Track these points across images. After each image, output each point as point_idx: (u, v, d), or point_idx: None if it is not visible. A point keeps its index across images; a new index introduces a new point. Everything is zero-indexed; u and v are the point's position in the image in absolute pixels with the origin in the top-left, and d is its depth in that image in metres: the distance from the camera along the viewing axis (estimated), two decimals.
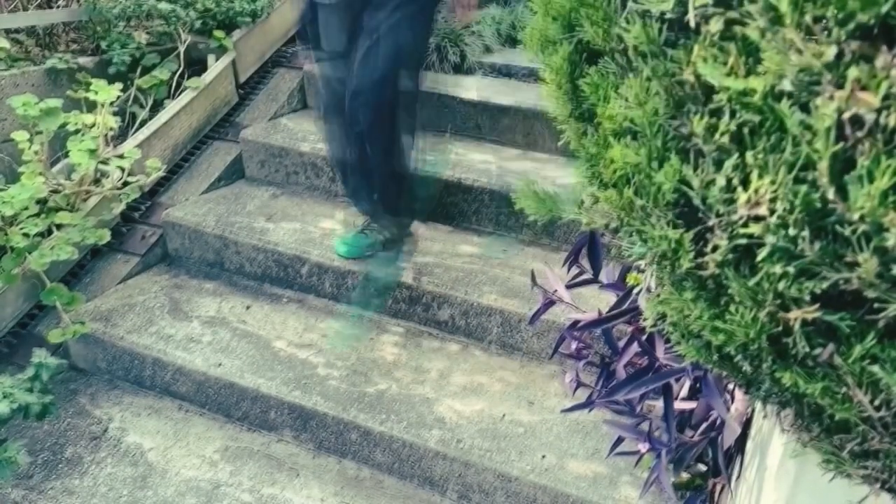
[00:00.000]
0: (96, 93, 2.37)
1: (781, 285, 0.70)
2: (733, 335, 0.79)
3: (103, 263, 2.56)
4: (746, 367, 0.83)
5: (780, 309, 0.72)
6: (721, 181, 0.72)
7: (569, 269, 1.56)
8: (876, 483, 0.80)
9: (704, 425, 1.48)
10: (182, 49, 2.97)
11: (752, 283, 0.73)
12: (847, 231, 0.63)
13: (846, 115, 0.59)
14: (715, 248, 0.76)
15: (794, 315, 0.71)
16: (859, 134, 0.59)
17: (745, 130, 0.69)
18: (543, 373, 2.16)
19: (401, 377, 2.12)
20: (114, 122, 2.41)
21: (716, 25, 0.68)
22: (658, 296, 0.91)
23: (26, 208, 2.13)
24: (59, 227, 2.25)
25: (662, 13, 0.75)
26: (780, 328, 0.74)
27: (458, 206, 2.60)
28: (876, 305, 0.65)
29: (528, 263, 2.33)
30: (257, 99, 3.16)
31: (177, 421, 2.17)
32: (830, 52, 0.58)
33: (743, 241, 0.72)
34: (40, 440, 2.07)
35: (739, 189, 0.70)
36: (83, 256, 2.52)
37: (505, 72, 3.21)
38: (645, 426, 1.54)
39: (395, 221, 2.37)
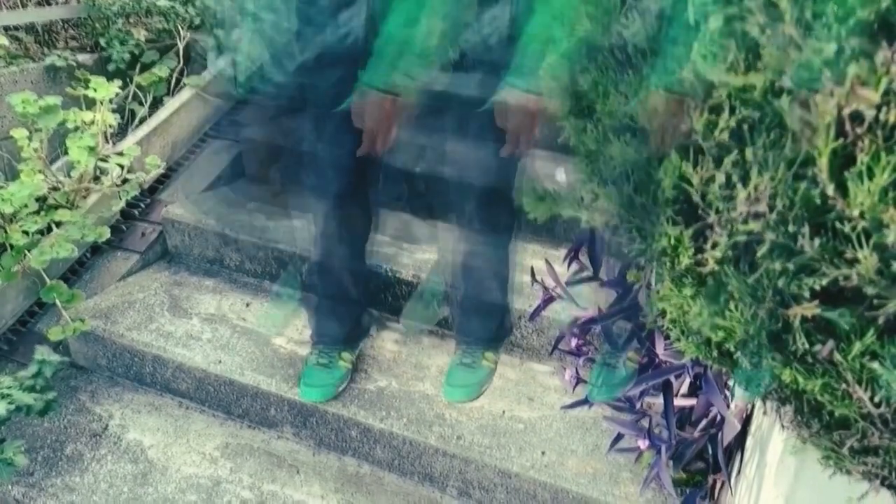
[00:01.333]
0: (95, 90, 2.36)
1: (781, 282, 0.70)
2: (733, 332, 0.79)
3: (103, 261, 2.56)
4: (746, 364, 0.83)
5: (779, 306, 0.72)
6: (720, 178, 0.72)
7: (569, 266, 1.56)
8: (876, 479, 0.80)
9: (704, 422, 1.49)
10: (181, 46, 2.96)
11: (751, 279, 0.73)
12: (847, 228, 0.63)
13: (846, 112, 0.59)
14: (714, 245, 0.76)
15: (794, 312, 0.71)
16: (859, 130, 0.59)
17: (745, 127, 0.69)
18: (543, 369, 2.16)
19: (401, 374, 2.12)
20: (113, 120, 2.41)
21: (715, 22, 0.68)
22: (658, 293, 0.91)
23: (26, 206, 2.13)
24: (58, 224, 2.25)
25: (661, 9, 0.75)
26: (780, 325, 0.74)
27: None
28: (875, 302, 0.65)
29: (528, 260, 2.33)
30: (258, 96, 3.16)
31: (177, 418, 2.17)
32: (830, 48, 0.58)
33: (742, 237, 0.72)
34: (41, 437, 2.07)
35: (739, 186, 0.70)
36: (83, 254, 2.52)
37: None
38: (645, 423, 1.54)
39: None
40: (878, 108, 0.57)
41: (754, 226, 0.69)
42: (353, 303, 2.07)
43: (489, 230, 1.88)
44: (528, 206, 1.20)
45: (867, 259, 0.62)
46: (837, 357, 0.71)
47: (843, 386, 0.72)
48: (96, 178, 2.45)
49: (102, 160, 2.41)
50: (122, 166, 2.43)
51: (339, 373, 2.03)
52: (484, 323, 2.08)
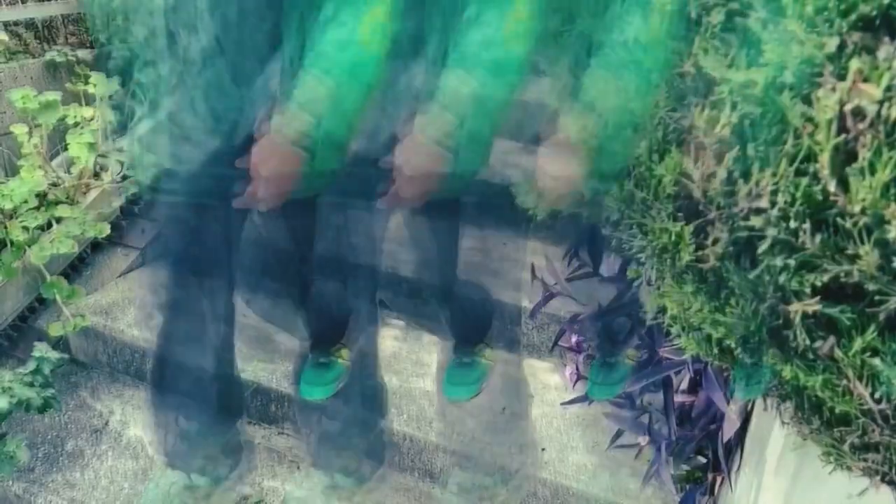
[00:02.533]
0: (95, 86, 2.36)
1: (782, 278, 0.70)
2: (734, 328, 0.79)
3: (103, 257, 2.56)
4: (746, 360, 0.83)
5: (780, 302, 0.72)
6: (722, 174, 0.71)
7: (569, 263, 1.56)
8: (876, 475, 0.80)
9: (704, 419, 1.48)
10: None
11: (752, 275, 0.73)
12: (848, 223, 0.63)
13: (848, 107, 0.59)
14: (716, 241, 0.76)
15: (795, 308, 0.71)
16: (861, 126, 0.59)
17: (747, 122, 0.69)
18: (543, 366, 2.16)
19: (401, 370, 2.12)
20: (113, 116, 2.40)
21: (717, 17, 0.68)
22: (658, 289, 0.91)
23: (26, 202, 2.13)
24: (58, 220, 2.24)
25: (663, 4, 0.74)
26: (781, 321, 0.74)
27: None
28: (876, 298, 0.65)
29: (529, 257, 2.32)
30: None
31: None
32: (832, 43, 0.58)
33: (743, 233, 0.72)
34: (41, 433, 2.07)
35: (740, 182, 0.70)
36: (83, 250, 2.51)
37: None
38: (645, 419, 1.54)
39: None
40: (880, 103, 0.57)
41: (756, 221, 0.69)
42: (349, 300, 2.06)
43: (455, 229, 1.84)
44: (529, 201, 1.20)
45: (868, 255, 0.62)
46: (838, 353, 0.71)
47: (844, 382, 0.72)
48: (96, 175, 2.44)
49: (102, 156, 2.40)
50: (122, 163, 2.42)
51: (338, 370, 2.03)
52: (476, 321, 2.07)
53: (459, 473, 1.91)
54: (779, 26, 0.61)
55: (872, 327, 0.67)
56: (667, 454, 1.48)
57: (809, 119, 0.62)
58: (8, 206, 2.08)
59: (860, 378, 0.70)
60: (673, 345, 1.37)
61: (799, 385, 0.77)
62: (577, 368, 1.68)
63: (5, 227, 2.12)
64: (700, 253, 0.79)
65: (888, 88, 0.56)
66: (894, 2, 0.56)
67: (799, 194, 0.64)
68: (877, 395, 0.70)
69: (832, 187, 0.62)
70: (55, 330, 2.17)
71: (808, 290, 0.69)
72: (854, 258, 0.64)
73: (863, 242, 0.62)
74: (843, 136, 0.60)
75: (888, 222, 0.59)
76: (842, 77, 0.58)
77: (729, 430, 1.40)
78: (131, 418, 2.14)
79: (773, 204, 0.66)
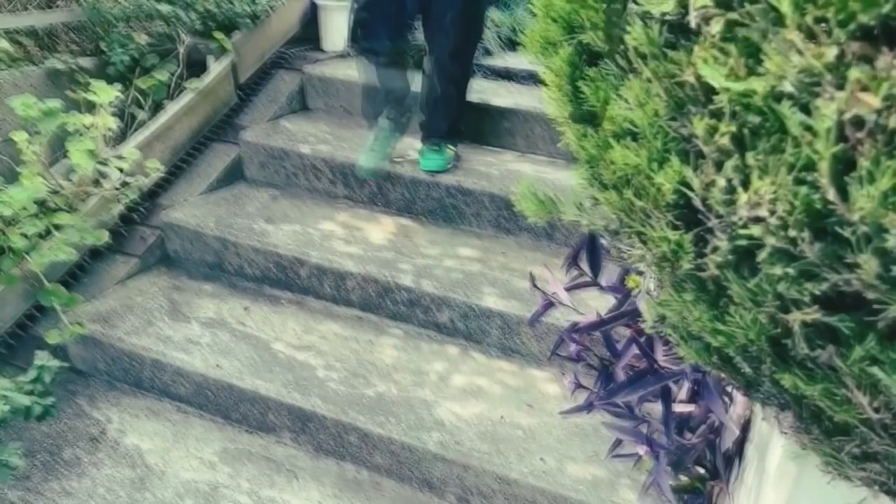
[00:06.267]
0: (96, 93, 2.37)
1: (781, 287, 0.70)
2: (733, 337, 0.79)
3: (102, 264, 2.56)
4: (746, 369, 0.83)
5: (779, 310, 0.72)
6: (721, 182, 0.72)
7: (567, 272, 1.56)
8: (875, 485, 0.79)
9: (703, 428, 1.48)
10: (182, 50, 2.97)
11: (751, 284, 0.73)
12: (847, 232, 0.63)
13: (847, 116, 0.59)
14: (715, 250, 0.76)
15: (794, 317, 0.71)
16: (860, 135, 0.59)
17: (746, 131, 0.69)
18: (542, 375, 2.16)
19: (400, 379, 2.12)
20: (113, 123, 2.41)
21: (716, 27, 0.68)
22: (658, 298, 0.91)
23: (25, 209, 2.13)
24: (57, 227, 2.24)
25: (663, 14, 0.75)
26: (780, 330, 0.74)
27: (458, 208, 2.60)
28: (876, 307, 0.65)
29: (528, 266, 2.33)
30: (257, 100, 3.16)
31: (175, 423, 2.16)
32: (831, 53, 0.58)
33: (743, 242, 0.72)
34: (38, 441, 2.06)
35: (740, 190, 0.70)
36: (82, 258, 2.51)
37: (504, 75, 3.21)
38: (644, 429, 1.53)
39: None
40: (879, 112, 0.57)
41: (755, 230, 0.69)
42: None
43: (462, 41, 2.58)
44: (529, 209, 1.20)
45: (867, 263, 0.62)
46: (838, 362, 0.71)
47: (843, 391, 0.72)
48: (96, 182, 2.45)
49: (102, 164, 2.41)
50: (121, 170, 2.43)
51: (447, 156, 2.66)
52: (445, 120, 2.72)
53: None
54: (778, 36, 0.61)
55: (872, 336, 0.67)
56: (666, 464, 1.48)
57: (808, 128, 0.62)
58: (7, 212, 2.08)
59: (859, 387, 0.70)
60: (672, 354, 1.37)
61: (798, 394, 0.77)
62: (576, 378, 1.67)
63: (4, 234, 2.12)
64: (699, 261, 0.79)
65: (887, 98, 0.57)
66: (893, 12, 0.57)
67: (798, 203, 0.64)
68: (875, 405, 0.70)
69: (831, 196, 0.62)
70: (53, 338, 2.17)
71: (807, 299, 0.69)
72: (853, 267, 0.64)
73: (862, 251, 0.62)
74: (841, 145, 0.60)
75: (887, 231, 0.59)
76: (841, 87, 0.59)
77: (728, 439, 1.40)
78: (129, 427, 2.13)
79: (773, 212, 0.67)
